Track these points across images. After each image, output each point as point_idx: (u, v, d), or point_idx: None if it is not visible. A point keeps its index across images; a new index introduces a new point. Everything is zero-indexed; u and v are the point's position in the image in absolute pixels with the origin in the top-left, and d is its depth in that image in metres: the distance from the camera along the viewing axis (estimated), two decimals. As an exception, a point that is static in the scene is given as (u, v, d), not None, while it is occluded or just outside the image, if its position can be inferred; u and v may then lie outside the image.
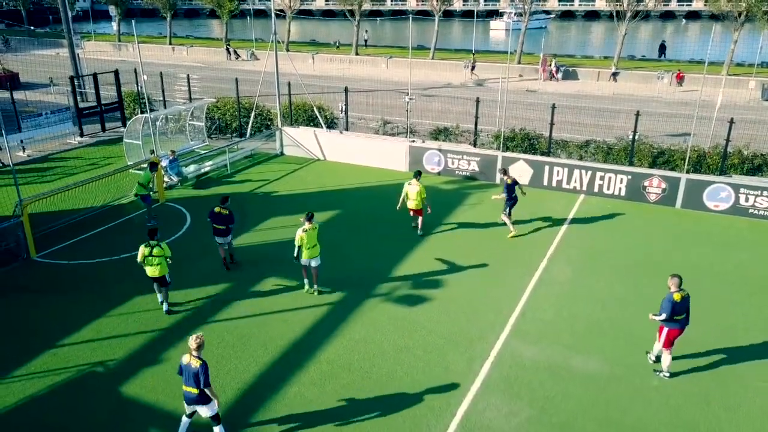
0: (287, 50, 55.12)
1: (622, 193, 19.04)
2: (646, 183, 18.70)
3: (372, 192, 20.35)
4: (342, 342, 11.98)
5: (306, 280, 13.75)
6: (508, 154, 20.57)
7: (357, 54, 52.15)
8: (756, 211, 17.67)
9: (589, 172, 19.33)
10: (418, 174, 16.22)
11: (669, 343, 10.56)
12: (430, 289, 13.91)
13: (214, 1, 54.38)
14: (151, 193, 17.77)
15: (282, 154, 24.52)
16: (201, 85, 36.49)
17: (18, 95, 29.35)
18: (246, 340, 12.07)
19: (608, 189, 19.19)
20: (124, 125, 29.06)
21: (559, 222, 17.57)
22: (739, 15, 38.74)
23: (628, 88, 39.91)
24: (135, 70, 29.52)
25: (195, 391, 8.94)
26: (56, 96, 36.71)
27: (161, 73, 28.90)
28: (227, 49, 53.46)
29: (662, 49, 51.89)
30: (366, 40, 60.17)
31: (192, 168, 21.25)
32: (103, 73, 28.70)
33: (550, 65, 43.04)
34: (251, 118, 24.46)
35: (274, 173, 22.23)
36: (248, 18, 58.88)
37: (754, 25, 41.33)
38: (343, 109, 27.95)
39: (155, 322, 12.73)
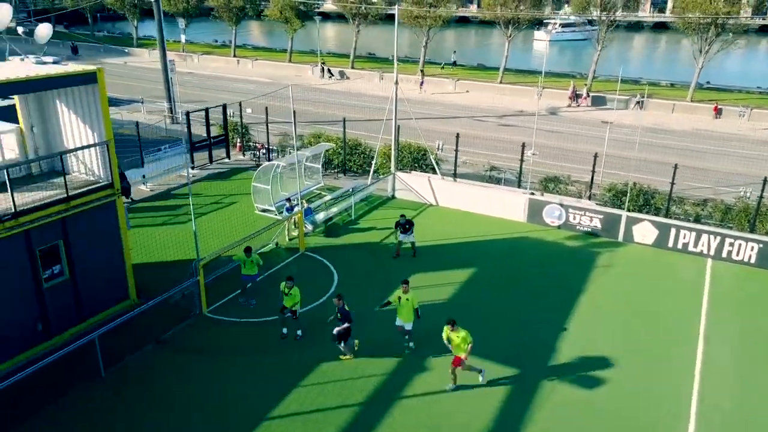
0: (352, 66, 55.95)
1: (752, 260, 19.41)
2: (779, 252, 19.08)
3: (499, 246, 20.93)
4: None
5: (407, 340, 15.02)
6: (634, 214, 21.04)
7: (422, 72, 52.58)
8: None
9: (718, 238, 19.72)
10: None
11: None
12: (599, 369, 14.46)
13: (282, 16, 55.18)
14: (256, 276, 17.07)
15: (393, 197, 25.24)
16: (281, 106, 37.22)
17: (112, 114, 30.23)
18: (443, 419, 12.77)
19: (737, 255, 19.57)
20: (229, 157, 30.06)
21: (697, 292, 17.98)
22: None
23: (703, 123, 40.04)
24: (240, 103, 30.53)
25: None
26: (146, 115, 37.90)
27: (266, 108, 29.64)
28: (321, 68, 53.74)
29: None
30: (455, 61, 59.19)
31: (321, 215, 22.01)
32: (214, 107, 29.51)
33: (581, 90, 43.67)
34: (374, 161, 25.25)
35: (394, 220, 22.79)
36: (316, 22, 58.92)
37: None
38: (441, 146, 28.67)
39: (350, 394, 13.47)
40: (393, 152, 25.08)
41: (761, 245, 19.23)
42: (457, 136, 25.52)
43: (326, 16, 75.99)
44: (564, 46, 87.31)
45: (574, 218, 21.81)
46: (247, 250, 16.63)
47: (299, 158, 24.36)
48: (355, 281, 18.33)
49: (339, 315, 14.30)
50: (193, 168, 28.00)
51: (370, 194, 25.10)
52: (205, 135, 29.09)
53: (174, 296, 16.45)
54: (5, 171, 13.26)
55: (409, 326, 14.76)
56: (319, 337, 15.39)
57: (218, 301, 17.09)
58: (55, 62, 15.04)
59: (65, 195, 14.44)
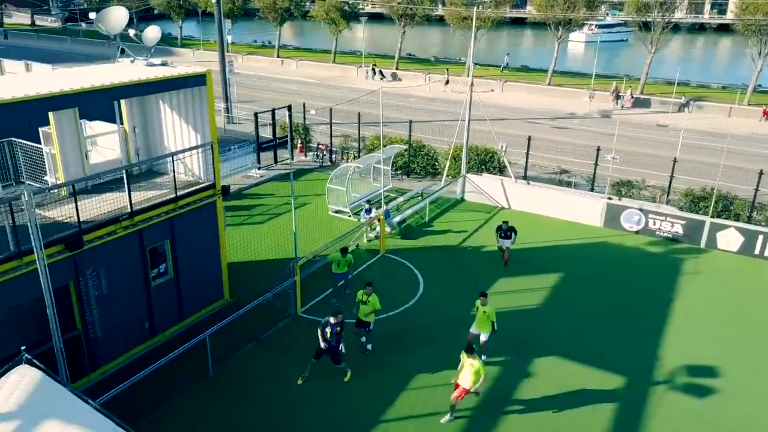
0: (397, 68, 55.97)
1: None
2: None
3: (579, 251, 20.74)
4: (653, 436, 12.49)
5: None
6: (718, 220, 20.70)
7: (468, 75, 52.37)
8: None
9: (809, 246, 19.33)
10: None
11: None
12: (705, 377, 14.27)
13: (327, 17, 55.42)
14: (347, 274, 17.16)
15: (462, 199, 25.16)
16: (343, 109, 37.40)
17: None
18: (558, 427, 12.69)
19: (829, 264, 19.18)
20: (292, 157, 30.27)
21: (792, 301, 17.66)
22: None
23: (756, 126, 39.35)
24: (303, 104, 30.74)
25: None
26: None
27: (330, 109, 29.81)
28: (373, 69, 53.37)
29: None
30: (507, 64, 57.35)
31: (398, 217, 22.04)
32: (280, 108, 29.72)
33: (626, 92, 44.23)
34: (447, 162, 25.26)
35: (468, 222, 22.86)
36: (361, 23, 58.81)
37: None
38: (505, 149, 28.49)
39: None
40: (464, 154, 25.02)
41: None
42: (529, 139, 25.43)
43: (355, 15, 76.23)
44: (600, 47, 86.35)
45: (654, 224, 21.52)
46: (344, 251, 16.70)
47: (372, 161, 24.47)
48: (441, 284, 18.30)
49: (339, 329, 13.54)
50: (259, 168, 28.24)
51: (439, 196, 25.07)
52: (267, 135, 29.35)
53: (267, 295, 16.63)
54: (124, 172, 13.48)
55: (485, 336, 14.36)
56: (417, 340, 15.45)
57: (309, 301, 17.20)
58: (162, 64, 15.28)
59: (174, 195, 14.66)
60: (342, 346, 13.83)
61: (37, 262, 9.65)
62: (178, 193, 14.80)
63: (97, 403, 11.34)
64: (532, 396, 13.62)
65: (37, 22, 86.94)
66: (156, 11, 68.91)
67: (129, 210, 13.66)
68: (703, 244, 20.81)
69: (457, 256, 20.33)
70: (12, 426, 8.60)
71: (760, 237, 19.95)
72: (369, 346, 14.99)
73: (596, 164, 23.91)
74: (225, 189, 16.13)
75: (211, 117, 15.25)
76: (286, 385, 13.86)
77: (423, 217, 23.14)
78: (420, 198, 24.54)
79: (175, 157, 15.53)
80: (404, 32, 55.21)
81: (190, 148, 15.23)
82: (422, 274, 18.84)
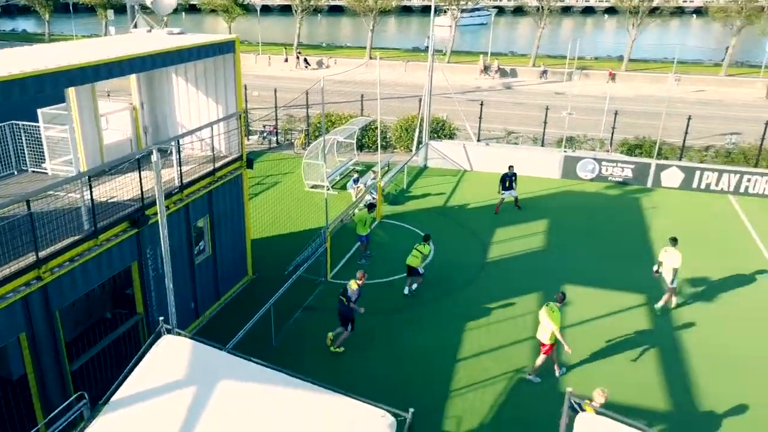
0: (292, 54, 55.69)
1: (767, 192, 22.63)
2: (789, 183, 22.37)
3: (554, 201, 22.59)
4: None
5: None
6: (663, 161, 23.59)
7: (371, 58, 53.51)
8: None
9: (737, 176, 22.70)
10: None
11: None
12: (700, 286, 16.59)
13: (222, 5, 53.74)
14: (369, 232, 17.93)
15: (426, 167, 26.23)
16: (266, 95, 36.67)
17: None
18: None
19: (754, 189, 22.67)
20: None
21: (739, 227, 20.46)
22: None
23: (632, 89, 44.49)
24: (245, 86, 29.90)
25: None
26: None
27: (275, 89, 29.46)
28: (297, 57, 52.58)
29: None
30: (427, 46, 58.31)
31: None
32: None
33: (492, 64, 49.70)
34: (416, 134, 26.13)
35: (441, 185, 23.98)
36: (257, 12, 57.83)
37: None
38: (446, 117, 29.95)
39: (522, 331, 14.56)
40: (425, 124, 26.04)
41: (773, 178, 22.46)
42: (482, 104, 27.04)
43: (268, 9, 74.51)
44: (463, 30, 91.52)
45: (607, 170, 24.02)
46: (371, 207, 17.67)
47: (346, 133, 24.81)
48: (448, 239, 19.21)
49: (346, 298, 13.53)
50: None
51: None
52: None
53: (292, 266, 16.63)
54: (176, 142, 12.89)
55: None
56: (451, 287, 16.36)
57: (334, 268, 17.38)
58: (181, 33, 14.63)
59: (212, 167, 14.21)
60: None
61: (160, 221, 9.16)
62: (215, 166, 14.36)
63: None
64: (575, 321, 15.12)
65: None
66: (20, 4, 62.17)
67: (179, 184, 13.10)
68: (649, 184, 23.60)
69: (448, 214, 21.36)
70: (189, 391, 8.34)
71: (697, 172, 23.09)
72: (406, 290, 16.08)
73: (545, 122, 26.01)
74: (249, 161, 15.82)
75: (238, 85, 14.89)
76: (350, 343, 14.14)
77: (399, 185, 23.89)
78: (387, 168, 25.24)
79: (197, 130, 15.02)
80: (302, 19, 55.09)
81: (222, 119, 14.78)
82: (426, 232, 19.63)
